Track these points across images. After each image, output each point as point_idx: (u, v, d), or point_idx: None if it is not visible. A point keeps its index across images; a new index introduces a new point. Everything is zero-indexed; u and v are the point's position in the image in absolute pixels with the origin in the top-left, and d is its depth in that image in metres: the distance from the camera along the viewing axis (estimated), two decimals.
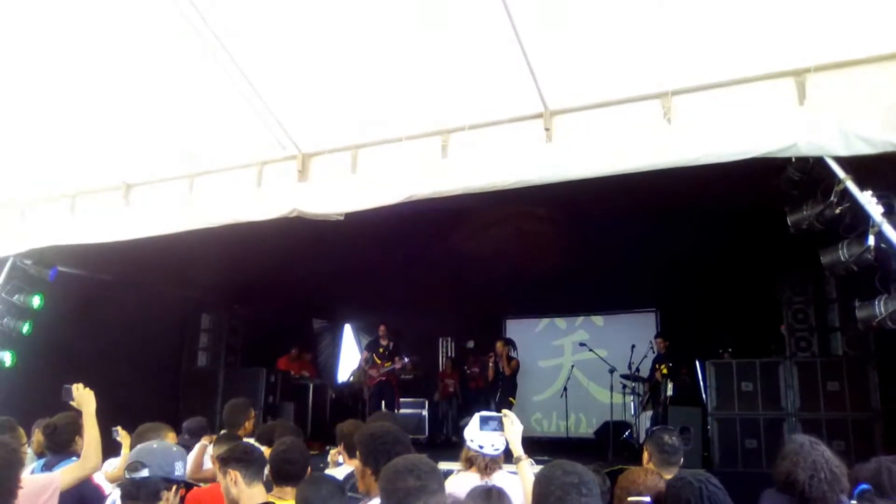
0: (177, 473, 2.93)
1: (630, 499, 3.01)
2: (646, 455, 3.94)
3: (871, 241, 4.11)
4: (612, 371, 10.40)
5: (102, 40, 5.30)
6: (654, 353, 10.48)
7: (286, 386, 10.96)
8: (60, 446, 4.31)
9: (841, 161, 4.14)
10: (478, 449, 3.66)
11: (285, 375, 11.15)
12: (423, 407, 12.07)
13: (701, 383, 9.25)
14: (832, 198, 4.28)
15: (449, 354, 13.98)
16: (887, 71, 4.05)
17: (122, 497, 2.89)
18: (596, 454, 9.33)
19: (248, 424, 5.39)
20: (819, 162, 4.24)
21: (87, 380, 4.02)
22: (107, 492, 4.06)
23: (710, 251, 8.66)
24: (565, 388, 11.35)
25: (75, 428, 4.17)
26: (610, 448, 9.67)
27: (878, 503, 3.15)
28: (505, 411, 3.64)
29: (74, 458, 3.97)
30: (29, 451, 4.91)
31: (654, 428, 5.44)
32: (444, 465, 3.87)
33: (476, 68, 4.94)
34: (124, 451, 4.59)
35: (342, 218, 5.55)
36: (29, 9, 5.16)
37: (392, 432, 3.31)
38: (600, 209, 7.22)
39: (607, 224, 7.96)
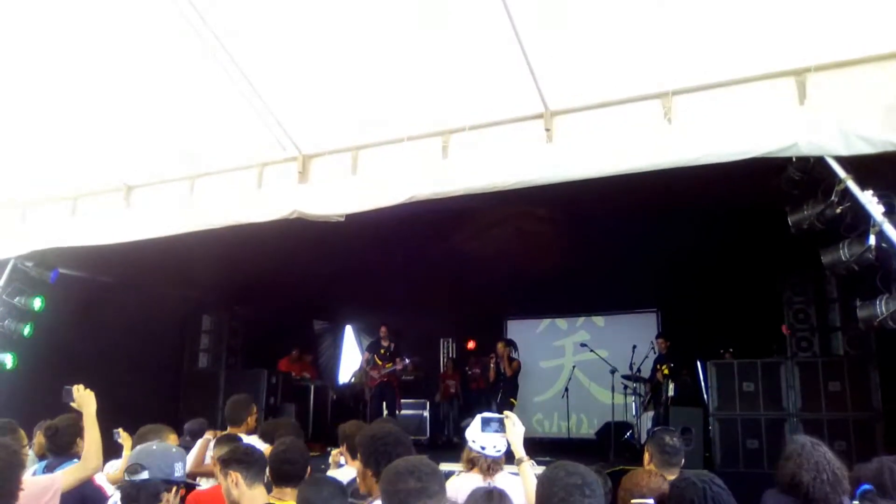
0: (177, 474, 2.93)
1: (633, 501, 3.01)
2: (647, 456, 3.93)
3: (872, 240, 4.10)
4: (613, 371, 10.40)
5: (103, 41, 5.31)
6: (655, 353, 10.47)
7: (287, 387, 10.95)
8: (62, 448, 4.31)
9: (841, 161, 4.14)
10: (479, 450, 3.66)
11: (286, 377, 11.15)
12: (425, 408, 12.08)
13: (702, 384, 9.25)
14: (833, 197, 4.28)
15: (450, 355, 13.98)
16: (887, 70, 4.05)
17: (122, 499, 2.89)
18: (597, 455, 9.32)
19: (251, 420, 5.39)
20: (820, 162, 4.24)
21: (88, 381, 4.02)
22: (108, 493, 4.05)
23: (710, 251, 8.66)
24: (566, 389, 11.35)
25: (76, 429, 4.17)
26: (611, 449, 9.66)
27: (881, 503, 3.14)
28: (506, 412, 3.63)
29: (76, 460, 3.98)
30: (30, 453, 4.91)
31: (655, 429, 5.43)
32: (445, 467, 3.86)
33: (476, 69, 4.94)
34: (126, 452, 4.58)
35: (343, 219, 5.55)
36: (30, 10, 5.17)
37: (393, 434, 3.30)
38: (601, 209, 7.22)
39: (608, 224, 7.95)
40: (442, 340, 14.29)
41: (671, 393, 9.56)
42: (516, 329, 13.58)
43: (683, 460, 3.83)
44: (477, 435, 3.68)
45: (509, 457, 3.58)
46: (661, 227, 8.06)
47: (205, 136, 6.05)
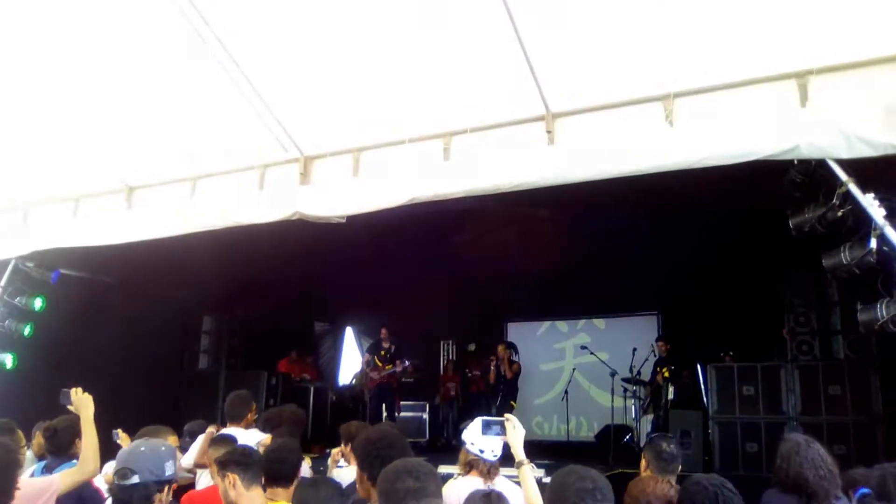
0: (168, 473, 2.89)
1: None
2: (643, 463, 3.89)
3: (874, 244, 4.10)
4: (613, 374, 10.39)
5: (104, 43, 5.31)
6: (655, 356, 10.46)
7: (287, 388, 10.95)
8: (60, 449, 4.31)
9: (843, 163, 4.13)
10: (478, 453, 3.65)
11: (286, 378, 11.15)
12: (424, 410, 12.05)
13: (702, 387, 9.24)
14: (834, 200, 4.28)
15: (450, 357, 13.97)
16: (889, 73, 4.04)
17: (114, 503, 2.85)
18: (597, 458, 9.30)
19: (250, 417, 5.39)
20: (821, 164, 4.23)
21: (88, 382, 4.02)
22: (106, 495, 4.05)
23: (711, 254, 8.66)
24: (566, 392, 11.33)
25: (75, 430, 4.16)
26: (611, 452, 9.63)
27: None
28: (507, 415, 3.61)
29: (75, 461, 3.97)
30: (28, 454, 4.91)
31: (652, 435, 5.42)
32: (444, 469, 3.87)
33: (478, 71, 4.94)
34: None
35: (344, 220, 5.55)
36: (31, 12, 5.17)
37: (388, 437, 3.28)
38: (602, 212, 7.22)
39: (609, 226, 7.96)
40: (442, 342, 14.27)
41: (671, 396, 9.56)
42: (517, 331, 13.57)
43: (680, 467, 3.80)
44: (476, 438, 3.66)
45: (509, 459, 3.57)
46: (662, 229, 8.05)
47: (206, 138, 6.05)
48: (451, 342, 14.26)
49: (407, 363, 11.20)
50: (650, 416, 10.03)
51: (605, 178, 4.69)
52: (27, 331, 7.08)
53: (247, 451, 3.46)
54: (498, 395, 10.82)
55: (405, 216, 5.59)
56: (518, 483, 3.48)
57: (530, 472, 3.38)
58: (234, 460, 3.30)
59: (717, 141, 4.38)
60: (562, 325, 13.63)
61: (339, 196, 5.59)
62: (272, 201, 5.86)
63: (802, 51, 4.21)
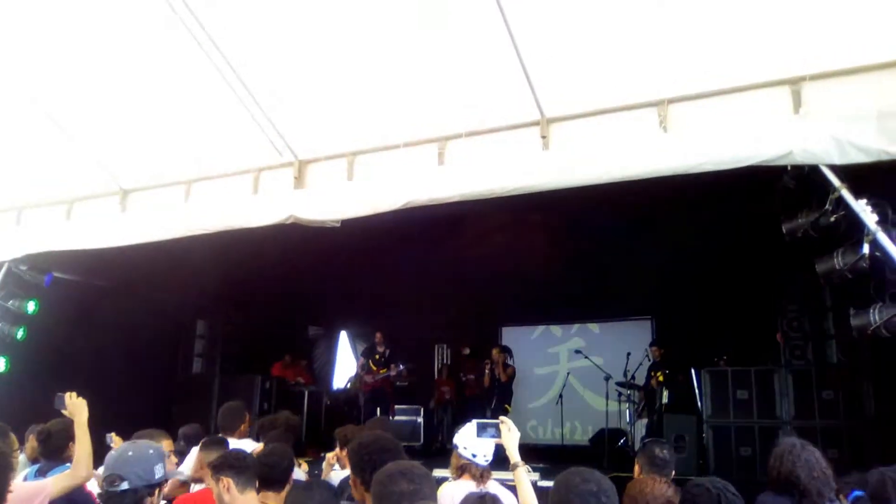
0: (157, 476, 2.87)
1: None
2: (637, 468, 3.89)
3: (866, 249, 4.11)
4: (607, 378, 10.41)
5: (99, 46, 5.32)
6: (649, 360, 10.47)
7: (281, 393, 10.93)
8: (54, 452, 4.29)
9: (836, 169, 4.15)
10: (470, 458, 3.64)
11: (280, 382, 11.13)
12: (419, 414, 12.05)
13: (696, 391, 9.26)
14: (827, 206, 4.29)
15: (445, 361, 13.94)
16: (882, 79, 4.07)
17: None
18: (591, 462, 9.27)
19: (243, 427, 5.37)
20: (814, 170, 4.25)
21: (81, 385, 4.01)
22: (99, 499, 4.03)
23: (705, 259, 8.68)
24: (561, 396, 11.36)
25: (69, 434, 4.14)
26: (605, 456, 9.65)
27: None
28: (502, 418, 3.61)
29: (68, 465, 3.95)
30: (21, 457, 4.89)
31: (645, 441, 5.41)
32: (439, 473, 3.86)
33: (473, 76, 4.96)
34: None
35: (339, 225, 5.54)
36: (27, 14, 5.17)
37: (379, 441, 3.28)
38: (596, 217, 7.24)
39: (603, 231, 7.97)
40: (436, 346, 14.24)
41: (665, 400, 9.57)
42: (511, 335, 13.56)
43: (674, 472, 3.80)
44: (469, 442, 3.66)
45: (504, 462, 3.56)
46: (656, 234, 8.08)
47: (201, 141, 6.05)
48: (445, 346, 14.23)
49: (401, 367, 11.18)
50: (644, 421, 10.04)
51: (599, 183, 4.70)
52: (20, 334, 7.05)
53: (241, 455, 3.46)
54: (493, 399, 10.81)
55: (400, 220, 5.59)
56: (509, 486, 3.49)
57: (525, 475, 3.38)
58: (229, 464, 3.30)
59: (710, 146, 4.39)
60: (556, 330, 13.62)
61: (334, 200, 5.58)
62: (267, 205, 5.85)
63: (796, 57, 4.24)
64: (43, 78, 5.68)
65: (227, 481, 3.23)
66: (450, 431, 11.79)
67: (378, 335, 11.47)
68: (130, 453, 2.90)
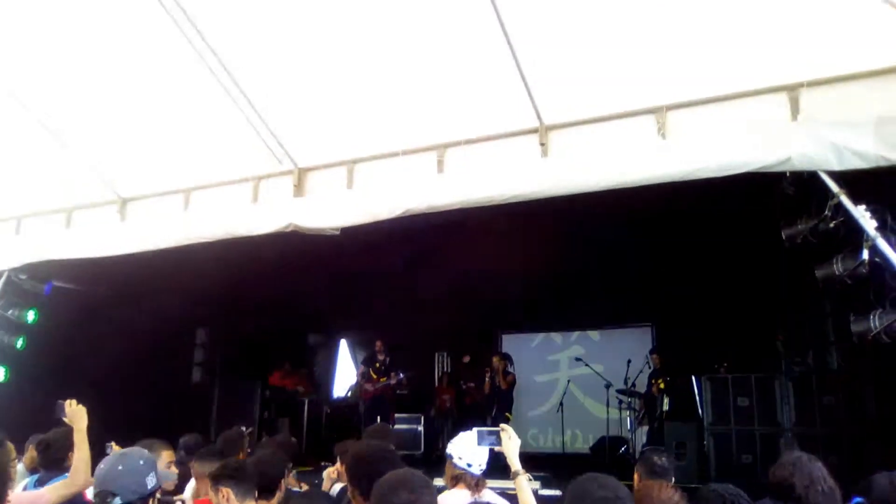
0: (150, 487, 2.82)
1: None
2: (636, 477, 3.85)
3: (866, 255, 4.12)
4: (608, 386, 10.38)
5: (98, 54, 5.33)
6: (650, 368, 10.44)
7: (281, 401, 10.91)
8: (54, 462, 4.26)
9: (835, 175, 4.16)
10: (465, 468, 3.61)
11: (280, 390, 11.10)
12: (419, 422, 11.98)
13: (697, 398, 9.24)
14: (826, 212, 4.30)
15: (445, 369, 13.91)
16: (880, 86, 4.08)
17: None
18: (592, 470, 9.24)
19: (242, 454, 5.38)
20: (813, 176, 4.26)
21: (81, 394, 3.99)
22: None
23: (704, 266, 8.68)
24: (561, 404, 11.32)
25: (69, 444, 4.11)
26: (606, 464, 9.61)
27: None
28: (503, 426, 3.59)
29: (67, 475, 3.94)
30: (20, 467, 4.87)
31: (644, 449, 5.40)
32: (440, 482, 3.84)
33: (472, 84, 4.97)
34: None
35: (338, 232, 5.55)
36: (25, 22, 5.18)
37: (377, 451, 3.25)
38: (596, 224, 7.24)
39: (603, 239, 7.98)
40: (436, 354, 14.20)
41: (666, 408, 9.55)
42: (511, 343, 13.52)
43: (674, 479, 3.78)
44: (463, 451, 3.63)
45: (505, 470, 3.55)
46: (656, 241, 8.08)
47: (200, 149, 6.06)
48: (445, 354, 14.18)
49: (401, 375, 11.15)
50: (645, 428, 10.01)
51: (598, 190, 4.71)
52: (20, 343, 7.05)
53: (240, 465, 3.45)
54: (493, 407, 10.77)
55: (400, 228, 5.59)
56: (510, 495, 3.47)
57: (526, 483, 3.36)
58: (228, 474, 3.29)
59: (709, 153, 4.40)
60: (556, 337, 13.58)
61: (334, 208, 5.59)
62: (266, 213, 5.86)
63: (794, 64, 4.25)
64: (38, 86, 5.68)
65: (227, 491, 3.21)
66: (450, 439, 11.73)
67: (378, 343, 11.45)
68: (120, 467, 2.83)
